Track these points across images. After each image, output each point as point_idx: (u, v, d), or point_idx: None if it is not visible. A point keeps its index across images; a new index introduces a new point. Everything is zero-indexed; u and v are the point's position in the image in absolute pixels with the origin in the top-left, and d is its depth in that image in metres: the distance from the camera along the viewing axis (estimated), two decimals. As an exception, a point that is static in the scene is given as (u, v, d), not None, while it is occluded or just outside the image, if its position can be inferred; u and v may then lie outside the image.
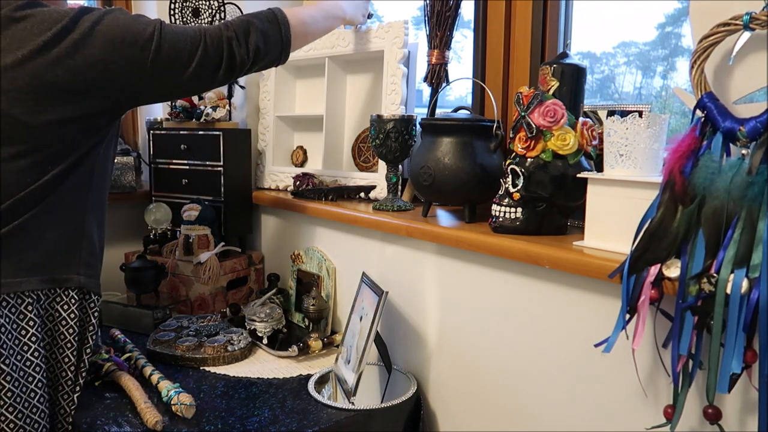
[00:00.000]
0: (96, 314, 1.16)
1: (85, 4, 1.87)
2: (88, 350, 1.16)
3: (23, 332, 1.06)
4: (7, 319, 1.04)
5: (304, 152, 1.94)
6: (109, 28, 1.03)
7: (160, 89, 1.14)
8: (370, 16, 1.56)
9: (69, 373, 1.13)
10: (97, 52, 1.02)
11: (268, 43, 1.20)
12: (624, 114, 0.97)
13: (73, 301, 1.12)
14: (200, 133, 1.77)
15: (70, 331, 1.12)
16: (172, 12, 1.82)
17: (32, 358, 1.07)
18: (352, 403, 1.22)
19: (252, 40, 1.17)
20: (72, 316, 1.12)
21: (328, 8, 1.37)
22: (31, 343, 1.07)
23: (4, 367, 1.02)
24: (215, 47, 1.13)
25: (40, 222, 1.06)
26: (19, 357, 1.06)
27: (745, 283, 0.73)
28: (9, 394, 1.03)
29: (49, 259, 1.09)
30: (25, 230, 1.05)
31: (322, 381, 1.35)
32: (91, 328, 1.16)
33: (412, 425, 1.27)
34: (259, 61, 1.20)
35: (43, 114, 1.01)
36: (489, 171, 1.25)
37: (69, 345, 1.13)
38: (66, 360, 1.13)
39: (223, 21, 1.20)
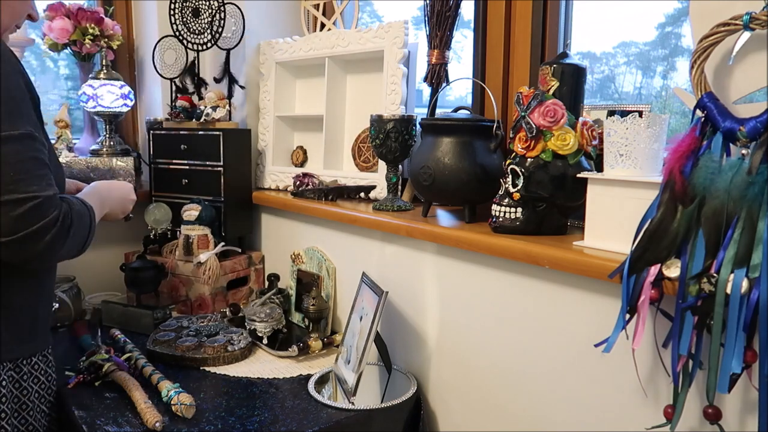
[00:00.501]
0: (50, 371, 1.12)
1: (84, 5, 1.87)
2: (32, 414, 1.11)
3: None
4: None
5: (304, 152, 1.94)
6: None
7: None
8: (127, 218, 1.36)
9: None
10: None
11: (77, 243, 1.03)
12: (624, 114, 0.97)
13: (39, 366, 1.11)
14: (200, 133, 1.77)
15: (33, 395, 1.10)
16: (172, 12, 1.82)
17: (5, 426, 1.04)
18: (352, 403, 1.22)
19: (79, 233, 1.02)
20: (41, 379, 1.11)
21: (101, 212, 1.20)
22: (6, 410, 1.04)
23: None
24: (48, 202, 0.94)
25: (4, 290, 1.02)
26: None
27: (745, 283, 0.73)
28: None
29: (14, 327, 1.05)
30: None
31: (322, 381, 1.35)
32: (46, 388, 1.11)
33: (412, 425, 1.27)
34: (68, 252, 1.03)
35: None
36: (489, 171, 1.25)
37: (32, 406, 1.10)
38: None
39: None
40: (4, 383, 1.05)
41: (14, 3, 1.07)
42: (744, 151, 0.79)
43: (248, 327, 1.53)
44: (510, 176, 1.10)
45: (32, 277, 1.08)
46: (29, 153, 0.91)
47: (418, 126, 1.41)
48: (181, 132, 1.79)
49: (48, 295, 1.13)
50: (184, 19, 1.83)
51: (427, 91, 1.53)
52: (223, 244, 1.72)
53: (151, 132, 1.86)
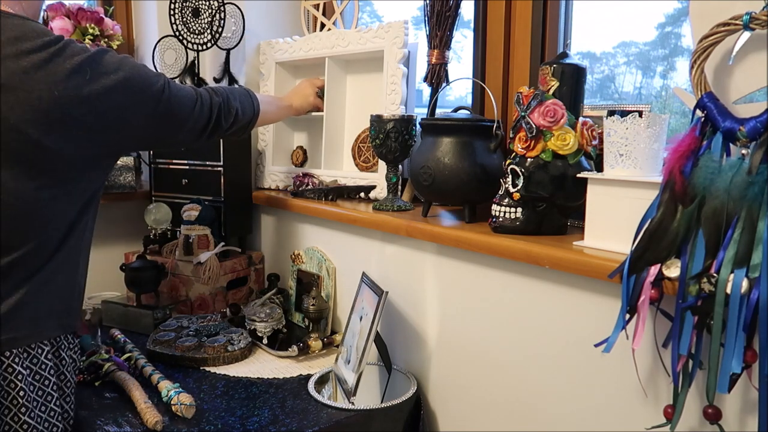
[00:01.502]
0: (78, 353, 1.14)
1: (84, 5, 1.87)
2: (71, 395, 1.12)
3: (46, 382, 1.03)
4: (29, 371, 1.00)
5: (304, 152, 1.94)
6: (131, 74, 1.07)
7: (155, 140, 1.22)
8: (317, 108, 1.73)
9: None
10: (120, 97, 1.04)
11: (245, 113, 1.35)
12: (624, 114, 0.97)
13: (72, 345, 1.10)
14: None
15: (70, 375, 1.09)
16: (172, 12, 1.82)
17: (54, 408, 1.04)
18: (352, 403, 1.22)
19: (233, 108, 1.31)
20: (72, 360, 1.10)
21: (280, 102, 1.62)
22: (52, 392, 1.04)
23: (30, 421, 0.98)
24: (206, 109, 1.23)
25: (58, 264, 1.05)
26: (43, 408, 1.02)
27: (745, 283, 0.73)
28: None
29: (60, 303, 1.06)
30: (48, 273, 1.03)
31: (322, 381, 1.35)
32: (74, 369, 1.13)
33: (412, 425, 1.27)
34: (235, 126, 1.33)
35: (67, 145, 1.00)
36: (489, 171, 1.25)
37: (70, 387, 1.10)
38: (69, 400, 1.10)
39: (209, 87, 1.30)
40: (49, 359, 1.05)
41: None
42: (744, 151, 0.79)
43: (248, 327, 1.53)
44: (510, 176, 1.10)
45: (73, 253, 1.12)
46: (176, 84, 1.17)
47: (418, 126, 1.41)
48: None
49: (85, 270, 1.17)
50: (184, 19, 1.83)
51: (427, 91, 1.53)
52: (223, 244, 1.72)
53: (151, 132, 1.85)
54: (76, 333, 1.13)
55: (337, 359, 1.40)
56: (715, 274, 0.75)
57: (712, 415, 0.78)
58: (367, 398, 1.30)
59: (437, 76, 1.44)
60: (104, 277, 1.91)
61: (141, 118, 1.10)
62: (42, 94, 0.94)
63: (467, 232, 1.16)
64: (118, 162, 1.85)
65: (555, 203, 1.09)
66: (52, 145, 0.97)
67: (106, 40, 1.88)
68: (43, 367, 1.03)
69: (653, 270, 0.83)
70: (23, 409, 0.98)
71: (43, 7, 1.12)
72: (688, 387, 0.81)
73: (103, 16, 1.87)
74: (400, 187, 1.50)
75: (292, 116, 1.71)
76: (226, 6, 1.77)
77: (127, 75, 1.05)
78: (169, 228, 1.78)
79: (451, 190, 1.26)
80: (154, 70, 1.15)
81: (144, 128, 1.12)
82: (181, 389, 1.20)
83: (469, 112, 1.38)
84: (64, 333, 1.07)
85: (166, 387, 1.21)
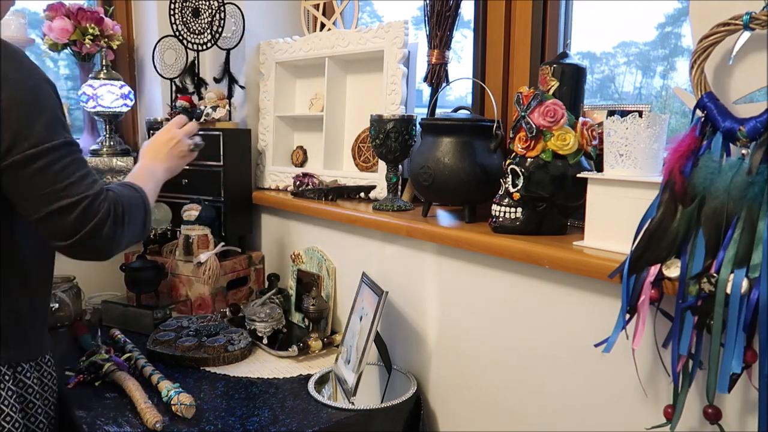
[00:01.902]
0: (35, 381, 1.08)
1: (84, 5, 1.87)
2: (41, 420, 1.09)
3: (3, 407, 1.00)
4: None
5: (304, 152, 1.94)
6: (17, 95, 0.90)
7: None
8: (196, 146, 1.34)
9: None
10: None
11: (134, 234, 1.06)
12: (624, 114, 0.97)
13: (35, 369, 1.07)
14: (200, 133, 1.76)
15: (39, 400, 1.07)
16: (172, 12, 1.82)
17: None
18: (352, 403, 1.22)
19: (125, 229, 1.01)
20: (41, 383, 1.08)
21: (157, 179, 1.22)
22: (12, 414, 1.01)
23: None
24: (97, 214, 0.95)
25: None
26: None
27: (745, 283, 0.73)
28: None
29: None
30: None
31: (322, 381, 1.35)
32: (34, 397, 1.08)
33: (412, 425, 1.27)
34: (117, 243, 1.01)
35: None
36: (489, 171, 1.25)
37: (36, 409, 1.07)
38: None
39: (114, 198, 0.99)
40: (33, 382, 1.06)
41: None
42: (744, 151, 0.79)
43: (248, 327, 1.53)
44: (510, 176, 1.10)
45: (49, 275, 1.10)
46: (71, 156, 0.94)
47: (418, 126, 1.41)
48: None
49: (48, 296, 1.13)
50: (184, 19, 1.83)
51: (427, 91, 1.53)
52: (223, 244, 1.72)
53: (151, 132, 1.86)
54: (47, 356, 1.10)
55: (337, 359, 1.40)
56: (715, 274, 0.75)
57: (712, 415, 0.78)
58: (367, 398, 1.30)
59: (437, 76, 1.44)
60: (104, 277, 1.91)
61: None
62: None
63: (467, 232, 1.16)
64: (118, 163, 1.85)
65: (555, 203, 1.09)
66: None
67: (106, 40, 1.88)
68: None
69: (653, 270, 0.83)
70: None
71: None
72: (688, 387, 0.81)
73: (103, 16, 1.87)
74: (400, 187, 1.50)
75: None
76: (226, 6, 1.77)
77: (11, 95, 0.88)
78: (169, 228, 1.78)
79: (451, 190, 1.26)
80: (55, 120, 0.93)
81: None
82: (181, 389, 1.19)
83: (469, 112, 1.38)
84: (25, 360, 1.04)
85: (166, 387, 1.21)
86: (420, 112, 1.55)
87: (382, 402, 1.26)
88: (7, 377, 1.01)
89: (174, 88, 1.86)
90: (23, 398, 1.05)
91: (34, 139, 0.90)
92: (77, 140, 0.98)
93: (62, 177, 0.92)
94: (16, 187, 0.91)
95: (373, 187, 1.60)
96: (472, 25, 1.48)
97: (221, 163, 1.74)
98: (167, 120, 1.84)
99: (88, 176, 0.96)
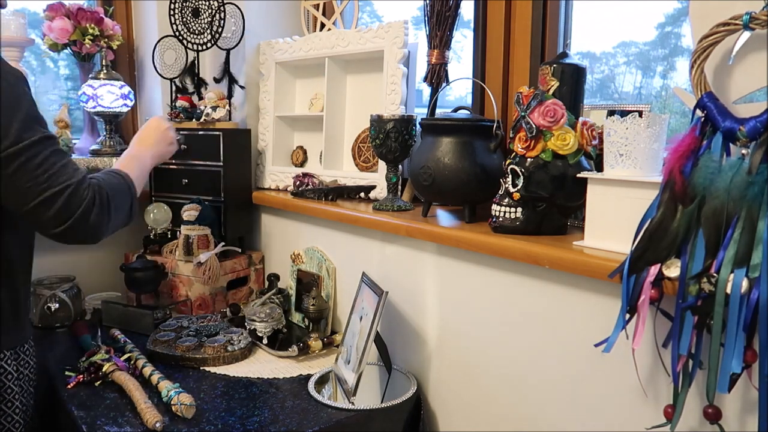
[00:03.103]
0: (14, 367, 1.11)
1: (84, 5, 1.87)
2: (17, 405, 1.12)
3: None
4: None
5: (304, 152, 1.94)
6: None
7: None
8: (180, 145, 1.47)
9: None
10: None
11: (118, 220, 1.10)
12: (624, 114, 0.97)
13: (12, 357, 1.10)
14: (200, 133, 1.77)
15: (10, 383, 1.09)
16: (172, 12, 1.82)
17: None
18: (352, 403, 1.22)
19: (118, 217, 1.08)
20: (16, 371, 1.10)
21: (143, 164, 1.28)
22: None
23: None
24: (81, 201, 0.99)
25: None
26: None
27: (745, 283, 0.73)
28: None
29: None
30: None
31: (322, 381, 1.35)
32: (12, 383, 1.11)
33: (412, 425, 1.27)
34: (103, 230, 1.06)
35: None
36: (489, 171, 1.25)
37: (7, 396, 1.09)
38: None
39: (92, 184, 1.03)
40: (12, 369, 1.10)
41: None
42: (744, 151, 0.79)
43: (248, 327, 1.53)
44: (510, 176, 1.10)
45: (28, 265, 1.14)
46: (50, 149, 0.98)
47: (418, 126, 1.41)
48: (181, 132, 1.79)
49: (28, 284, 1.17)
50: (184, 19, 1.83)
51: (427, 91, 1.53)
52: (223, 244, 1.72)
53: (151, 132, 1.85)
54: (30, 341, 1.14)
55: (337, 359, 1.40)
56: (715, 274, 0.75)
57: (712, 415, 0.78)
58: (367, 398, 1.30)
59: (437, 76, 1.44)
60: (104, 277, 1.91)
61: None
62: None
63: (467, 232, 1.16)
64: (118, 162, 1.85)
65: (555, 203, 1.09)
66: None
67: (106, 40, 1.88)
68: None
69: (653, 270, 0.83)
70: None
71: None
72: (688, 387, 0.81)
73: (103, 16, 1.87)
74: (400, 187, 1.50)
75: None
76: (226, 6, 1.77)
77: None
78: (169, 228, 1.78)
79: (451, 190, 1.26)
80: (33, 117, 0.97)
81: None
82: (181, 389, 1.19)
83: (469, 112, 1.38)
84: (20, 344, 1.10)
85: (166, 387, 1.21)
86: (420, 112, 1.55)
87: (382, 402, 1.26)
88: None
89: (174, 88, 1.87)
90: (1, 383, 1.08)
91: (12, 138, 0.93)
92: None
93: (43, 170, 0.95)
94: (0, 185, 0.95)
95: (373, 187, 1.60)
96: (472, 25, 1.48)
97: (221, 163, 1.74)
98: (167, 120, 1.84)
99: (68, 166, 0.99)
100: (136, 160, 1.26)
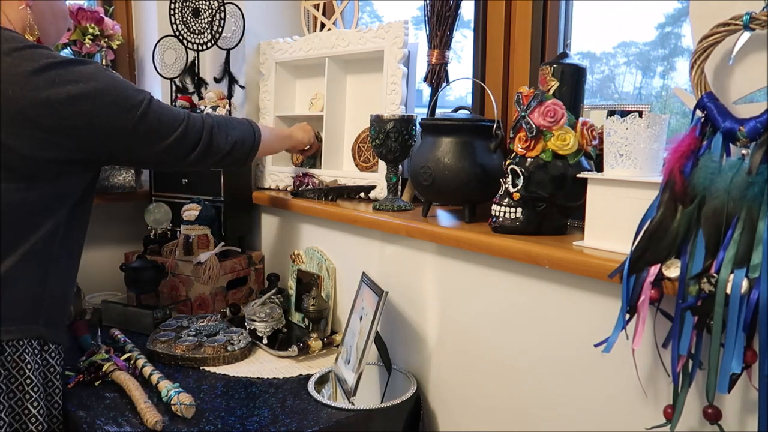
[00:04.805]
0: (59, 362, 1.17)
1: (84, 5, 1.87)
2: (57, 400, 1.17)
3: None
4: None
5: (304, 152, 1.93)
6: (105, 86, 1.09)
7: (135, 154, 1.18)
8: (320, 140, 1.73)
9: (33, 425, 1.10)
10: (88, 106, 1.06)
11: (245, 142, 1.34)
12: (624, 114, 0.97)
13: (36, 351, 1.12)
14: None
15: (31, 381, 1.09)
16: (172, 12, 1.82)
17: None
18: (352, 403, 1.22)
19: (232, 134, 1.30)
20: (35, 365, 1.11)
21: (280, 132, 1.60)
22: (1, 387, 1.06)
23: None
24: (196, 129, 1.22)
25: (17, 270, 1.07)
26: None
27: (745, 283, 0.73)
28: None
29: (16, 309, 1.08)
30: (5, 277, 1.06)
31: (322, 381, 1.35)
32: (54, 377, 1.16)
33: (412, 425, 1.27)
34: (233, 154, 1.31)
35: (22, 144, 1.03)
36: (489, 171, 1.25)
37: (31, 395, 1.10)
38: (29, 411, 1.10)
39: (207, 114, 1.29)
40: (57, 362, 1.17)
41: (59, 22, 1.23)
42: (744, 151, 0.79)
43: (248, 327, 1.53)
44: (510, 176, 1.10)
45: (70, 261, 1.20)
46: (155, 100, 1.17)
47: (418, 126, 1.41)
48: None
49: (61, 282, 1.18)
50: (184, 19, 1.83)
51: (427, 91, 1.53)
52: (223, 244, 1.72)
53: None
54: (50, 341, 1.15)
55: (337, 359, 1.40)
56: (715, 274, 0.75)
57: (712, 415, 0.78)
58: (367, 398, 1.30)
59: (437, 76, 1.44)
60: (104, 277, 1.91)
61: (113, 128, 1.10)
62: None
63: (467, 232, 1.16)
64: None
65: (555, 203, 1.09)
66: (7, 141, 1.01)
67: (106, 40, 1.88)
68: None
69: (653, 270, 0.83)
70: None
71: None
72: (688, 387, 0.81)
73: (103, 16, 1.87)
74: (400, 187, 1.50)
75: (291, 148, 1.65)
76: (226, 6, 1.77)
77: (99, 86, 1.08)
78: (169, 228, 1.78)
79: (451, 190, 1.26)
80: (137, 88, 1.16)
81: (117, 140, 1.12)
82: (181, 389, 1.20)
83: (469, 112, 1.38)
84: (24, 337, 1.09)
85: (166, 387, 1.21)
86: (420, 112, 1.55)
87: (382, 402, 1.26)
88: (36, 351, 1.12)
89: (174, 88, 1.86)
90: (45, 376, 1.14)
91: (135, 102, 1.13)
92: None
93: (164, 113, 1.17)
94: (134, 142, 1.14)
95: (373, 187, 1.60)
96: (472, 25, 1.48)
97: (221, 163, 1.73)
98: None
99: (172, 109, 1.20)
100: (273, 129, 1.60)
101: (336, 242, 1.62)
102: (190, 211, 1.69)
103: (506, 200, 1.11)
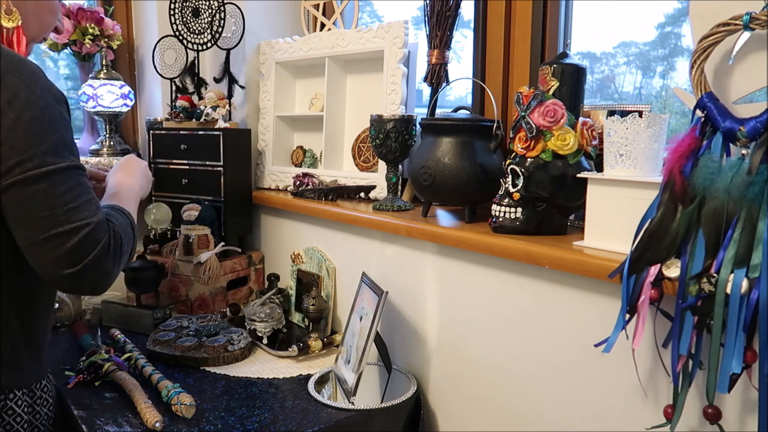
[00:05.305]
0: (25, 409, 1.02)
1: (84, 5, 1.87)
2: None
3: None
4: None
5: (304, 152, 1.94)
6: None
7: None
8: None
9: None
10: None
11: (131, 238, 1.02)
12: (624, 114, 0.97)
13: (24, 400, 1.00)
14: (200, 133, 1.77)
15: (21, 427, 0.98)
16: (172, 12, 1.82)
17: None
18: (352, 403, 1.22)
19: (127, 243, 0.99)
20: (24, 417, 0.99)
21: (134, 196, 1.18)
22: None
23: None
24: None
25: None
26: None
27: (745, 283, 0.73)
28: None
29: None
30: None
31: (322, 381, 1.35)
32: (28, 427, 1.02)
33: (412, 425, 1.27)
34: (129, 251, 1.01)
35: None
36: (489, 171, 1.25)
37: None
38: None
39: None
40: (24, 410, 1.00)
41: (44, 15, 1.06)
42: (744, 151, 0.79)
43: (248, 327, 1.53)
44: (510, 176, 1.10)
45: (49, 298, 1.06)
46: (76, 180, 0.89)
47: (418, 126, 1.41)
48: (181, 132, 1.79)
49: (49, 320, 1.08)
50: (184, 19, 1.83)
51: (427, 91, 1.53)
52: (223, 244, 1.72)
53: (151, 132, 1.86)
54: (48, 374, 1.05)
55: (337, 359, 1.40)
56: (715, 274, 0.75)
57: (712, 415, 0.78)
58: (367, 398, 1.30)
59: (437, 76, 1.44)
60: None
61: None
62: None
63: (467, 232, 1.16)
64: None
65: (555, 203, 1.09)
66: None
67: (106, 40, 1.88)
68: None
69: (653, 270, 0.83)
70: None
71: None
72: (688, 387, 0.81)
73: (103, 16, 1.88)
74: (400, 187, 1.50)
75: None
76: (226, 6, 1.77)
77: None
78: (169, 228, 1.78)
79: (451, 190, 1.26)
80: (62, 142, 0.89)
81: None
82: (181, 389, 1.19)
83: (469, 112, 1.38)
84: (37, 381, 1.00)
85: (166, 387, 1.21)
86: (420, 112, 1.55)
87: (382, 402, 1.26)
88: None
89: (174, 88, 1.87)
90: (10, 426, 0.99)
91: (37, 160, 0.85)
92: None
93: (64, 201, 0.87)
94: (15, 209, 0.86)
95: (373, 187, 1.60)
96: (472, 25, 1.48)
97: (221, 163, 1.74)
98: (167, 120, 1.84)
99: (91, 202, 0.91)
100: (132, 195, 1.14)
101: (336, 242, 1.62)
102: (190, 211, 1.69)
103: (506, 200, 1.11)
